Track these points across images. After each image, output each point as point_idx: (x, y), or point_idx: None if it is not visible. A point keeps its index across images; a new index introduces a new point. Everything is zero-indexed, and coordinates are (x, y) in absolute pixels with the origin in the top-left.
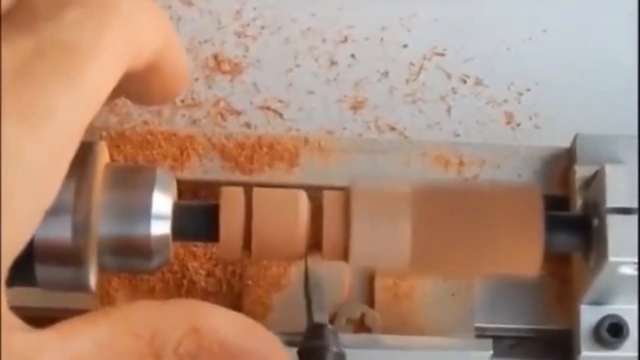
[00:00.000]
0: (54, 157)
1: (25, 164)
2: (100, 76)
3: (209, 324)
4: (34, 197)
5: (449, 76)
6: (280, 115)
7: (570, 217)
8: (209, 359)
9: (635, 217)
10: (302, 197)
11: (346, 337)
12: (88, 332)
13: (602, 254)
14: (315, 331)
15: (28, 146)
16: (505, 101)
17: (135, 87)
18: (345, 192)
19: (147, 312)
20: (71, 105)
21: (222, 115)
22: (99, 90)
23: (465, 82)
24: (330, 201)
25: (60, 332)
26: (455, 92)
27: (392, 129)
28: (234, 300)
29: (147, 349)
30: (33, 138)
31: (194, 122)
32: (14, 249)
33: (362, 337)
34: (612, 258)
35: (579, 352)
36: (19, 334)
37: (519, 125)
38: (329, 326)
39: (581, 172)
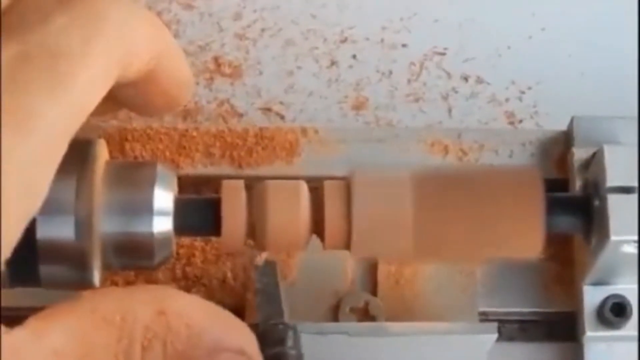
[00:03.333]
0: (41, 162)
1: (13, 169)
2: (88, 83)
3: (175, 307)
4: (21, 202)
5: (449, 76)
6: (282, 117)
7: (571, 198)
8: (177, 341)
9: (636, 196)
10: (303, 187)
11: (351, 326)
12: (59, 325)
13: (604, 234)
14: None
15: (14, 149)
16: (507, 100)
17: (133, 97)
18: (346, 181)
19: (113, 297)
20: (58, 111)
21: (223, 118)
22: (87, 97)
23: (466, 81)
24: (331, 190)
25: (32, 330)
26: (456, 92)
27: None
28: (239, 293)
29: (119, 333)
30: (19, 142)
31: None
32: (5, 252)
33: (367, 325)
34: (613, 237)
35: (583, 332)
36: None
37: (520, 122)
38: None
39: (579, 154)
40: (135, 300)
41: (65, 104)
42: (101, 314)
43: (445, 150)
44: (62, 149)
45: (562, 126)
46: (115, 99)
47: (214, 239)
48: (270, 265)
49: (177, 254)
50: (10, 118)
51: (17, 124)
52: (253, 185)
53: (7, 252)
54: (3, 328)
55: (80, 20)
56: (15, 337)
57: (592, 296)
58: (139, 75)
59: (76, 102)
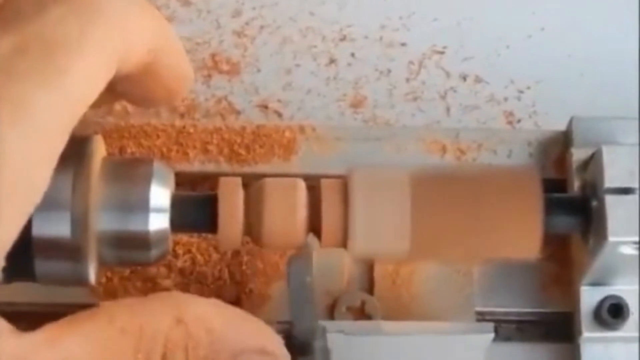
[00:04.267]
0: (39, 153)
1: (10, 161)
2: (84, 74)
3: (193, 313)
4: (20, 193)
5: (448, 75)
6: (280, 114)
7: (569, 198)
8: (199, 347)
9: (634, 197)
10: (300, 185)
11: (347, 324)
12: (76, 334)
13: (602, 235)
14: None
15: (11, 141)
16: (505, 99)
17: (132, 89)
18: (343, 180)
19: (130, 308)
20: (54, 102)
21: (221, 115)
22: (85, 88)
23: (465, 80)
24: (329, 188)
25: (48, 335)
26: (455, 91)
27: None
28: (235, 289)
29: (136, 344)
30: (16, 133)
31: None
32: (5, 246)
33: (363, 323)
34: (611, 238)
35: (580, 333)
36: (8, 338)
37: (519, 122)
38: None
39: (578, 154)
40: (153, 310)
41: (62, 95)
42: (119, 325)
43: (444, 149)
44: (60, 141)
45: (561, 126)
46: (114, 90)
47: (211, 236)
48: (305, 256)
49: (174, 251)
50: (6, 109)
51: (14, 116)
52: (250, 183)
53: (6, 247)
54: (14, 330)
55: (77, 11)
56: (29, 342)
57: (589, 297)
58: (138, 67)
59: (73, 93)
